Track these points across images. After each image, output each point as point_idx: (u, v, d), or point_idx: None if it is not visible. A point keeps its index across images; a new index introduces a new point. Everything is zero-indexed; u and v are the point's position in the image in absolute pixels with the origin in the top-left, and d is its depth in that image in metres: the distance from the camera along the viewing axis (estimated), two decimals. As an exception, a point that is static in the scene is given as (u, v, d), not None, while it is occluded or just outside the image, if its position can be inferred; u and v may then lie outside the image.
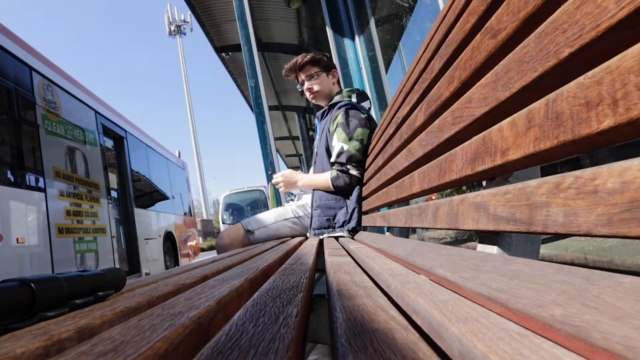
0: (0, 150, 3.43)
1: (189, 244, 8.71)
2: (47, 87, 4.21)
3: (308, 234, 2.12)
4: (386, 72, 3.78)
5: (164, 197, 7.63)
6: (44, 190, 3.79)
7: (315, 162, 2.15)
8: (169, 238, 7.38)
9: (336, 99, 2.09)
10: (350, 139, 1.87)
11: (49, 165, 3.95)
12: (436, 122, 0.76)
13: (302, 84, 2.16)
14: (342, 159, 1.87)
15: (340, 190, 1.92)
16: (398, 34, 3.78)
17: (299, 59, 2.13)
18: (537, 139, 0.39)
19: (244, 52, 3.94)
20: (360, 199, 1.89)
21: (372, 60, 3.76)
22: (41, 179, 3.80)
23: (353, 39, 3.92)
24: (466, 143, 0.61)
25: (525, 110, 0.42)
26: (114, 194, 5.61)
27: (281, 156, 14.59)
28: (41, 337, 0.27)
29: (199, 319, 0.31)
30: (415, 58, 1.06)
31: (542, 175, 0.43)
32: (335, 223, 1.91)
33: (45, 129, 4.00)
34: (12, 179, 3.46)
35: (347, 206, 1.92)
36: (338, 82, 2.19)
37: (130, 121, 6.66)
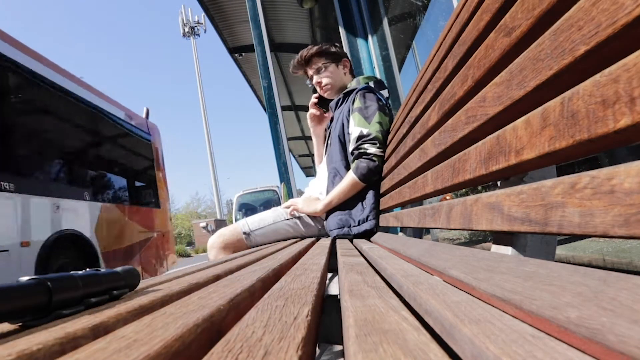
0: None
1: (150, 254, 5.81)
2: None
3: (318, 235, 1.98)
4: (399, 71, 3.76)
5: (84, 176, 4.81)
6: None
7: (328, 149, 1.95)
8: (72, 243, 4.30)
9: (352, 84, 1.91)
10: (369, 123, 1.68)
11: None
12: (449, 121, 0.76)
13: (312, 79, 1.97)
14: (361, 142, 1.68)
15: (369, 178, 1.67)
16: (411, 32, 3.76)
17: (304, 52, 1.93)
18: (553, 138, 0.38)
19: (257, 53, 3.96)
20: (378, 196, 1.71)
21: (385, 59, 3.74)
22: None
23: (366, 39, 3.91)
24: (480, 142, 0.60)
25: (540, 109, 0.41)
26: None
27: (294, 156, 14.60)
28: (57, 334, 0.28)
29: (211, 318, 0.31)
30: (428, 57, 1.06)
31: (559, 175, 0.42)
32: (350, 221, 1.72)
33: None
34: None
35: (362, 202, 1.73)
36: (351, 72, 2.00)
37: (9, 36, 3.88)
